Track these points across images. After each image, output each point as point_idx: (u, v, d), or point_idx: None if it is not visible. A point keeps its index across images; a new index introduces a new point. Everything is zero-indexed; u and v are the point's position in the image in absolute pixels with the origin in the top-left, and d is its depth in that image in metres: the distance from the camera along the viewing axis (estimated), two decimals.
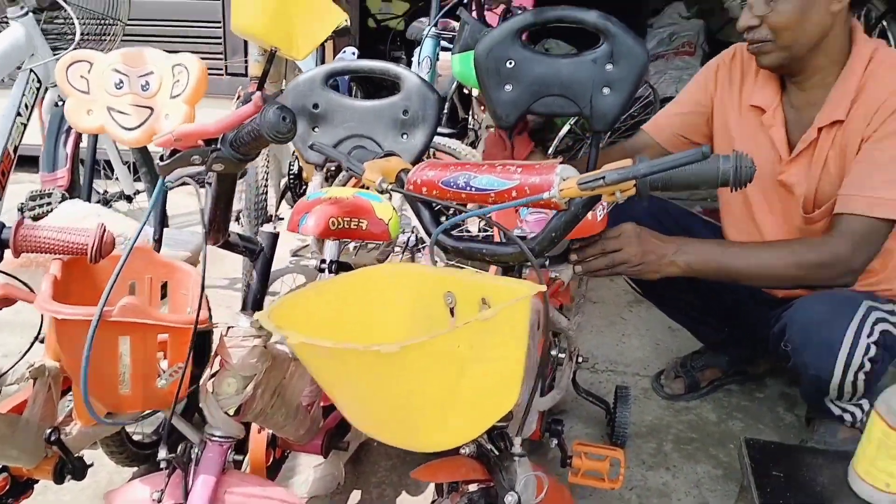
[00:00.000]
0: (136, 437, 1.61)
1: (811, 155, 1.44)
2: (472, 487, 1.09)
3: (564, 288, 1.53)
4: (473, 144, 2.48)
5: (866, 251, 1.33)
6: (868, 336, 1.35)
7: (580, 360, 1.65)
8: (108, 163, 2.60)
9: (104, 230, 1.00)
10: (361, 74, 2.23)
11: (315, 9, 1.96)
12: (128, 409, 1.06)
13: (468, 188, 0.86)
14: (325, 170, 1.59)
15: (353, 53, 3.03)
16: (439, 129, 2.12)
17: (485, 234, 1.98)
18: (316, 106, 1.41)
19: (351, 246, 1.75)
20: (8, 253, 0.99)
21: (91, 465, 1.23)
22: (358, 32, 3.96)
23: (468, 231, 2.02)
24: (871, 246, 1.34)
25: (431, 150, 2.08)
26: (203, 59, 1.18)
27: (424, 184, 0.91)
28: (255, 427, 1.40)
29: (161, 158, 0.89)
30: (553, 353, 1.55)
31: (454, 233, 1.00)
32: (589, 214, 0.91)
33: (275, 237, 1.10)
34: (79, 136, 2.26)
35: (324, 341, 0.71)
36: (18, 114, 2.09)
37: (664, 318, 2.00)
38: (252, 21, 1.92)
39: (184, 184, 0.94)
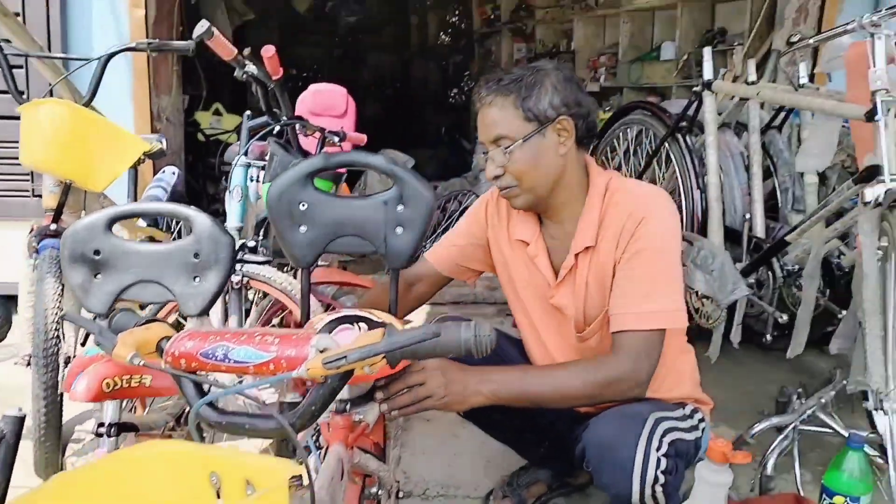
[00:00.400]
0: None
1: (573, 279, 1.57)
2: None
3: (371, 429, 1.49)
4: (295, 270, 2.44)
5: (647, 362, 1.45)
6: (657, 450, 1.42)
7: (400, 494, 1.61)
8: None
9: None
10: (148, 218, 2.15)
11: (112, 140, 1.89)
12: None
13: (227, 360, 0.83)
14: None
15: (174, 173, 2.94)
16: (253, 258, 2.07)
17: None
18: (97, 252, 1.32)
19: None
20: None
21: None
22: (183, 149, 3.87)
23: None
24: (650, 357, 1.45)
25: (245, 280, 2.02)
26: (8, 180, 1.07)
27: (183, 356, 0.86)
28: None
29: None
30: (374, 490, 1.50)
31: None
32: None
33: (20, 421, 0.99)
34: None
35: None
36: None
37: None
38: (42, 154, 1.81)
39: None
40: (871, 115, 1.82)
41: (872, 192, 1.79)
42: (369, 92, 9.51)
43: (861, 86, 1.88)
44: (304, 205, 1.34)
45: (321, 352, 0.76)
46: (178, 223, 3.09)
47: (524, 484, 1.97)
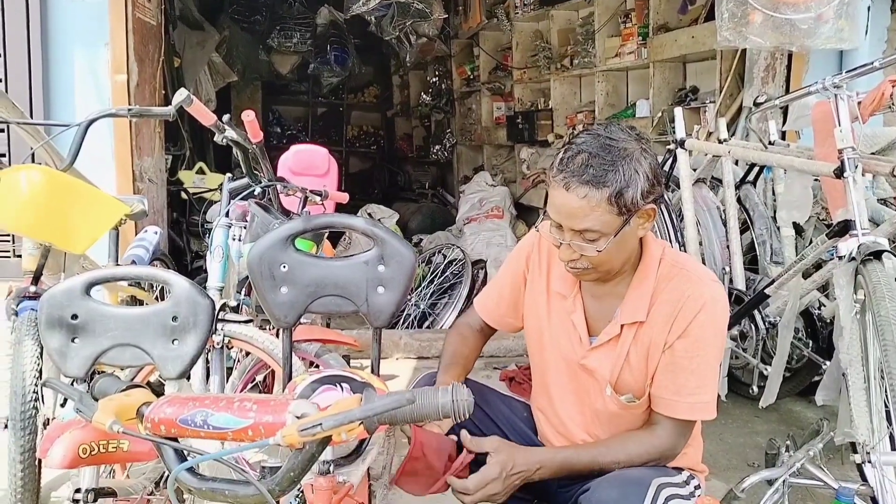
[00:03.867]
0: None
1: (614, 347, 1.52)
2: None
3: (356, 490, 1.46)
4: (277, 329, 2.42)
5: (683, 443, 1.52)
6: None
7: None
8: None
9: None
10: (127, 281, 2.14)
11: (91, 204, 1.89)
12: None
13: (206, 426, 0.82)
14: None
15: (156, 233, 2.95)
16: (234, 318, 2.06)
17: None
18: (75, 317, 1.31)
19: None
20: None
21: None
22: (166, 208, 3.88)
23: None
24: (686, 438, 1.53)
25: (226, 339, 2.00)
26: None
27: (162, 422, 0.85)
28: None
29: None
30: None
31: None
32: None
33: None
34: None
35: None
36: None
37: None
38: (18, 217, 1.80)
39: None
40: (839, 172, 1.88)
41: (846, 246, 1.83)
42: (353, 148, 9.66)
43: (828, 143, 1.93)
44: (284, 266, 1.34)
45: (298, 417, 0.75)
46: None
47: None
